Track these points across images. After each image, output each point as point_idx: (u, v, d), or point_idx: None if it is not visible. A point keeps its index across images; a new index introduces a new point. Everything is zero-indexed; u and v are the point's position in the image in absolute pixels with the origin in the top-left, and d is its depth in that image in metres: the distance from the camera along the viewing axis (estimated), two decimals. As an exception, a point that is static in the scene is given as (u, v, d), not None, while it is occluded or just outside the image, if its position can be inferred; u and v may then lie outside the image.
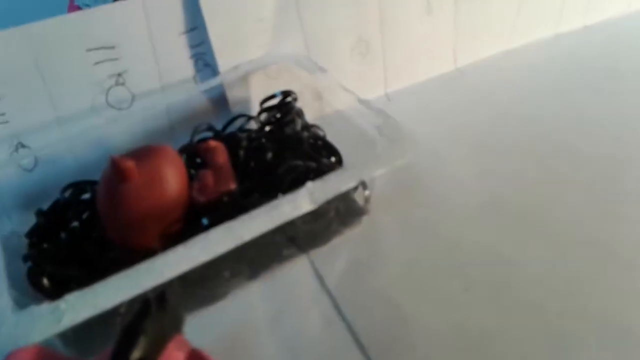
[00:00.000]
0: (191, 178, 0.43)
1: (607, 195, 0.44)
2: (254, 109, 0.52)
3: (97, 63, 0.48)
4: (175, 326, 0.26)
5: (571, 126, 0.53)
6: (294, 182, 0.41)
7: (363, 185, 0.44)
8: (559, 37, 0.67)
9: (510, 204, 0.44)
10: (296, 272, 0.41)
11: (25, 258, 0.40)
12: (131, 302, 0.32)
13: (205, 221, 0.40)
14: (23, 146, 0.49)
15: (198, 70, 0.52)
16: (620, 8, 0.72)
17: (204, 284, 0.40)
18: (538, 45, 0.66)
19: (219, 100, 0.53)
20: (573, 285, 0.37)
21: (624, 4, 0.72)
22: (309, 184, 0.37)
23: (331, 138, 0.47)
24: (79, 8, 0.52)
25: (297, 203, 0.36)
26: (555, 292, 0.37)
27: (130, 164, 0.38)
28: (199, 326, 0.38)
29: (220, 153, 0.44)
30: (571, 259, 0.39)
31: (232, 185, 0.42)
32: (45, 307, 0.31)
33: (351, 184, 0.37)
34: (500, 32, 0.64)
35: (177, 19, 0.49)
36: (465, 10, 0.60)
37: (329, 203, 0.37)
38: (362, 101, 0.44)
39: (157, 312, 0.25)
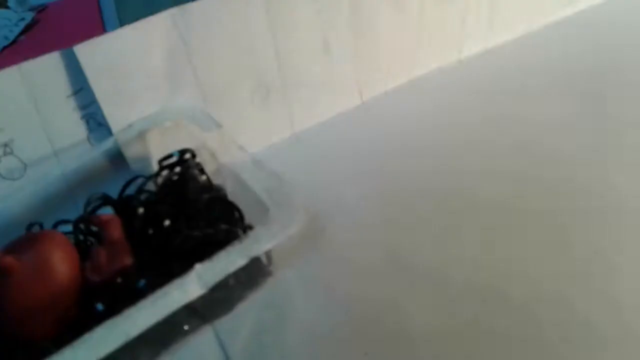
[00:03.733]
0: (87, 253, 0.42)
1: (510, 245, 0.45)
2: (156, 166, 0.51)
3: (-21, 136, 0.46)
4: None
5: (477, 159, 0.53)
6: (192, 252, 0.40)
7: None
8: (462, 63, 0.68)
9: (411, 256, 0.45)
10: (200, 346, 0.41)
11: None
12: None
13: (99, 307, 0.39)
14: None
15: (91, 130, 0.50)
16: (520, 29, 0.73)
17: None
18: (441, 71, 0.66)
19: (118, 159, 0.51)
20: (469, 342, 0.38)
21: (523, 26, 0.73)
22: (198, 267, 0.36)
23: (235, 199, 0.46)
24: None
25: (186, 289, 0.35)
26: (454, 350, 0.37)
27: (8, 259, 0.36)
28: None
29: (114, 226, 0.43)
30: (468, 311, 0.40)
31: (128, 261, 0.41)
32: None
33: (241, 263, 0.37)
34: (402, 63, 0.64)
35: (60, 82, 0.47)
36: (363, 47, 0.60)
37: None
38: (255, 162, 0.43)
39: None
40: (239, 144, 0.45)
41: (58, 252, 0.39)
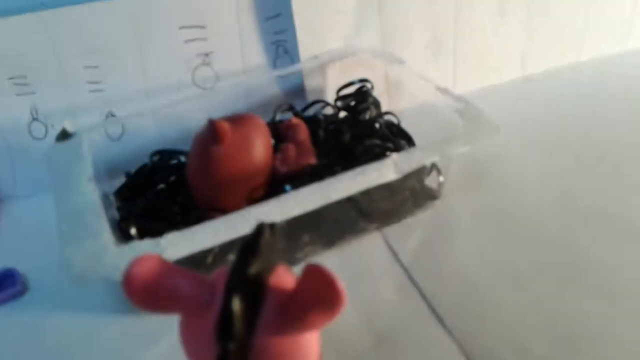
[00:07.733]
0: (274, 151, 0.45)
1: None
2: (329, 98, 0.54)
3: (187, 41, 0.52)
4: (281, 255, 0.28)
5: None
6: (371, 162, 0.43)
7: (437, 170, 0.45)
8: (628, 53, 0.68)
9: (579, 200, 0.45)
10: (370, 245, 0.43)
11: (117, 210, 0.43)
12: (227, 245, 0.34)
13: (288, 188, 0.42)
14: (113, 115, 0.52)
15: (278, 56, 0.55)
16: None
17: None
18: (607, 59, 0.67)
19: (296, 87, 0.55)
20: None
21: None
22: (394, 155, 0.38)
23: (409, 127, 0.49)
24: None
25: (382, 171, 0.37)
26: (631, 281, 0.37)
27: (226, 126, 0.40)
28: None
29: (301, 130, 0.46)
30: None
31: (313, 160, 0.44)
32: (147, 242, 0.33)
33: (434, 157, 0.39)
34: (569, 43, 0.65)
35: (263, 5, 0.52)
36: (536, 17, 0.62)
37: (406, 178, 0.39)
38: (440, 89, 0.46)
39: (270, 237, 0.26)
40: (423, 75, 0.48)
41: (260, 134, 0.43)
